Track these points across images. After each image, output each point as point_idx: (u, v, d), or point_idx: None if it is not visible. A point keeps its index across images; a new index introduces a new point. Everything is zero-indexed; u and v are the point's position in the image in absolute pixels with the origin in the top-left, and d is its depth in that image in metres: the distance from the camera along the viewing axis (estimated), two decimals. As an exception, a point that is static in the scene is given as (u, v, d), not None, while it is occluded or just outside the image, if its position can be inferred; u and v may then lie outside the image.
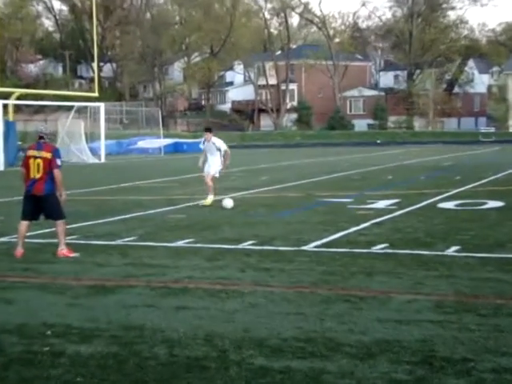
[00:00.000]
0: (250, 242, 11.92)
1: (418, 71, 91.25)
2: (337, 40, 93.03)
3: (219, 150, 18.18)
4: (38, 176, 11.15)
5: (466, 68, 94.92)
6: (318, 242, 11.91)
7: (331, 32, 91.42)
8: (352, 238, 12.28)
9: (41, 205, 11.24)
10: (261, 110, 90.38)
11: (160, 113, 59.92)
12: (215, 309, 7.82)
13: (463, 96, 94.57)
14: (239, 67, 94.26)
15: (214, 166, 18.16)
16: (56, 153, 11.24)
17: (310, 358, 6.08)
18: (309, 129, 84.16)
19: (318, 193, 20.26)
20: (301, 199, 19.02)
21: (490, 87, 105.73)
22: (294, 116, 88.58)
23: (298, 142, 70.75)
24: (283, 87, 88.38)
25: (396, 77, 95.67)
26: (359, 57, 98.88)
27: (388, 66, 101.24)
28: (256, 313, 7.60)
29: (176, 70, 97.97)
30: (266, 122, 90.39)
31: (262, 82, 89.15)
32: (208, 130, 18.72)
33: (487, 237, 12.18)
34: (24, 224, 11.35)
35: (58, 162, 11.18)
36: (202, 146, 18.62)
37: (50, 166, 11.11)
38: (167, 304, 8.07)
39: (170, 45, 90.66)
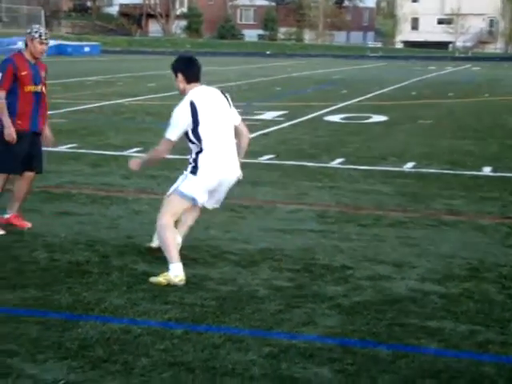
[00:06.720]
0: (136, 149, 11.72)
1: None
2: None
3: None
4: None
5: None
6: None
7: None
8: (238, 148, 12.26)
9: None
10: (149, 15, 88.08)
11: (43, 12, 57.45)
12: (98, 215, 7.69)
13: (353, 10, 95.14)
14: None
15: None
16: None
17: (193, 265, 6.09)
18: (198, 37, 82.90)
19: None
20: (188, 107, 18.77)
21: (378, 2, 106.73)
22: (184, 23, 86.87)
23: (188, 49, 69.62)
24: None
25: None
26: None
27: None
28: (140, 220, 7.52)
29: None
30: (154, 28, 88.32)
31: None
32: None
33: (370, 150, 12.44)
34: None
35: None
36: None
37: None
38: (48, 209, 7.87)
39: None
